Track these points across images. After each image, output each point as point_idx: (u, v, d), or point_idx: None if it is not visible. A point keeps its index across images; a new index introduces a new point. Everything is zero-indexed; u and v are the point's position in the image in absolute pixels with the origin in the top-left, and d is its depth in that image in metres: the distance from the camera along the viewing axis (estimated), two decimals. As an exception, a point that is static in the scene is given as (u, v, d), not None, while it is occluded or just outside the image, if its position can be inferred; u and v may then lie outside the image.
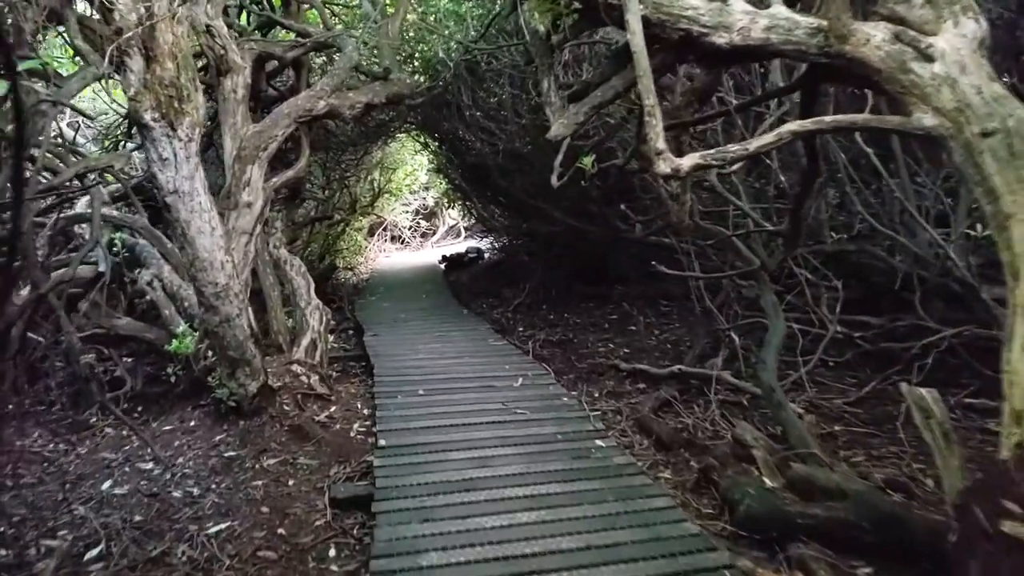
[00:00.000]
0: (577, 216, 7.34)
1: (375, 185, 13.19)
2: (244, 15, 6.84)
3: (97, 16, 3.43)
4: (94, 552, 3.24)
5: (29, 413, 5.45)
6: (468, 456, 3.76)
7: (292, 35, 6.66)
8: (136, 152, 6.58)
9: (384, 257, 15.73)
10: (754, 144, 2.79)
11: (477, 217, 12.99)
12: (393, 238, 17.28)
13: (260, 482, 3.95)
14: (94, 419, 5.21)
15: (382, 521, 3.12)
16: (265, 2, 7.07)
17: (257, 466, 4.14)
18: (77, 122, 7.83)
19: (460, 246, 15.09)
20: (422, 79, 7.43)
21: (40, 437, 5.02)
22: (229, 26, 5.30)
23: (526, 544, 2.84)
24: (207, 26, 4.77)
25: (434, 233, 18.13)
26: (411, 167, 15.02)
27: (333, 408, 4.94)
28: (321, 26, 6.79)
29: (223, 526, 3.51)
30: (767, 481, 3.26)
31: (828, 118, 2.76)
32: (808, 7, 2.94)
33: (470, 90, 7.49)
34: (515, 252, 10.88)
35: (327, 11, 7.05)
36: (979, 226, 4.20)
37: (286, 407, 4.73)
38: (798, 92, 3.59)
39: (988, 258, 4.57)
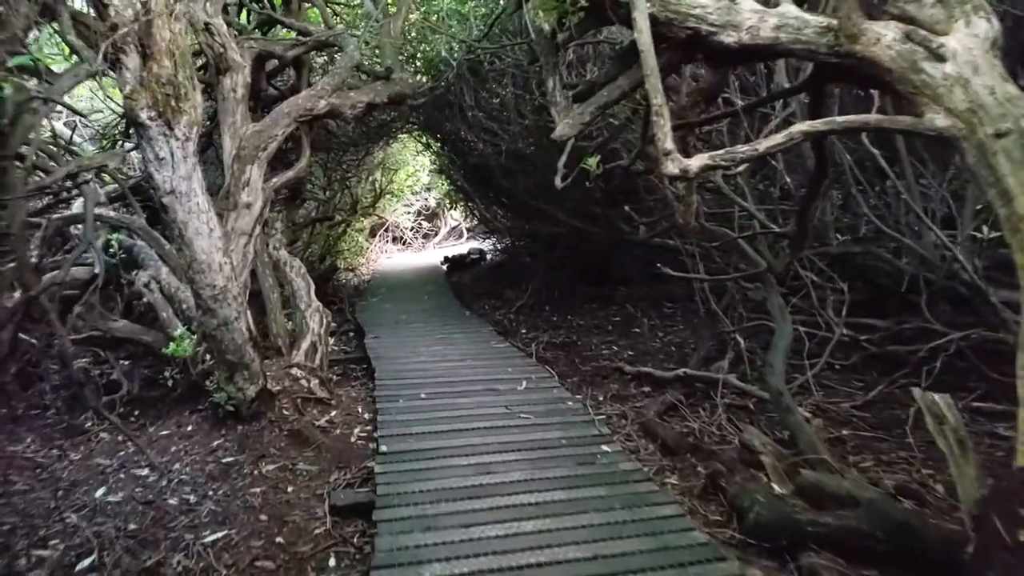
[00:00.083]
0: (580, 217, 7.28)
1: (376, 186, 13.13)
2: (244, 13, 6.78)
3: (92, 12, 3.35)
4: (86, 562, 3.17)
5: (22, 417, 5.38)
6: (471, 462, 3.70)
7: (293, 34, 6.59)
8: (134, 152, 6.51)
9: (386, 258, 15.67)
10: (764, 145, 2.74)
11: (479, 218, 12.93)
12: (395, 239, 17.23)
13: (258, 489, 3.88)
14: (89, 424, 5.15)
15: (383, 530, 3.05)
16: (265, 0, 7.02)
17: (255, 472, 4.08)
18: (74, 121, 7.77)
19: (462, 247, 15.03)
20: (424, 79, 7.37)
21: (33, 442, 4.96)
22: (229, 24, 5.24)
23: (531, 554, 2.78)
24: (206, 24, 4.71)
25: (436, 234, 18.08)
26: (413, 168, 14.96)
27: (333, 412, 4.87)
28: (322, 25, 6.73)
29: (220, 535, 3.44)
30: (776, 488, 3.20)
31: (840, 118, 2.70)
32: (815, 6, 2.89)
33: (472, 90, 7.44)
34: (517, 253, 10.83)
35: (328, 10, 6.99)
36: (985, 228, 4.14)
37: (285, 411, 4.67)
38: (803, 93, 3.55)
39: (994, 260, 4.52)
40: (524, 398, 4.81)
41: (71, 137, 7.39)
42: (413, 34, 7.87)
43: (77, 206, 6.57)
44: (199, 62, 6.10)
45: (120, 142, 7.10)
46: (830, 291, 4.85)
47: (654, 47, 2.65)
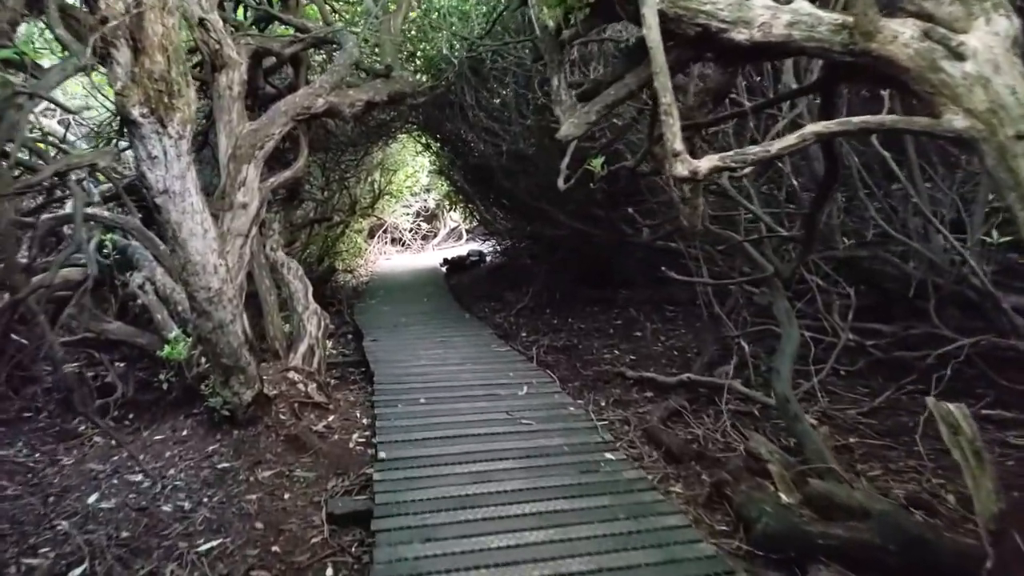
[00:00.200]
0: (582, 219, 7.21)
1: (375, 186, 13.05)
2: (240, 9, 6.69)
3: (81, 4, 3.26)
4: (77, 572, 3.09)
5: (13, 421, 5.29)
6: (472, 470, 3.61)
7: (290, 30, 6.50)
8: (129, 150, 6.42)
9: (384, 259, 15.59)
10: (776, 146, 2.66)
11: (479, 220, 12.86)
12: (393, 240, 17.14)
13: (254, 496, 3.80)
14: (82, 427, 5.06)
15: (382, 540, 2.96)
16: (262, -4, 6.92)
17: (251, 478, 3.99)
18: (67, 119, 7.67)
19: (461, 249, 14.96)
20: (424, 78, 7.29)
21: (25, 446, 4.86)
22: (224, 20, 5.15)
23: (534, 566, 2.69)
24: (201, 19, 4.62)
25: (435, 235, 18.00)
26: (412, 168, 14.88)
27: (331, 417, 4.78)
28: (320, 21, 6.64)
29: (215, 543, 3.35)
30: (783, 497, 3.12)
31: (855, 119, 2.62)
32: (828, 3, 2.82)
33: (473, 90, 7.36)
34: (518, 255, 10.75)
35: (327, 6, 6.89)
36: (995, 232, 4.08)
37: (282, 416, 4.58)
38: (815, 93, 3.47)
39: (1003, 265, 4.45)
40: (525, 403, 4.73)
41: (64, 135, 7.29)
42: (413, 32, 7.79)
43: (71, 205, 6.48)
44: (195, 59, 6.02)
45: (114, 140, 7.00)
46: (836, 295, 4.77)
47: (662, 44, 2.57)
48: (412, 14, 7.43)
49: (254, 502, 3.73)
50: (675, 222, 5.37)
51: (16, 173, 4.94)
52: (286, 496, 3.80)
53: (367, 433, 4.54)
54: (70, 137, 7.76)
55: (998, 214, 4.31)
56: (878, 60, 2.53)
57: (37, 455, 4.80)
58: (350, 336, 7.75)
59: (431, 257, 15.35)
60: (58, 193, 6.74)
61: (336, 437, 4.52)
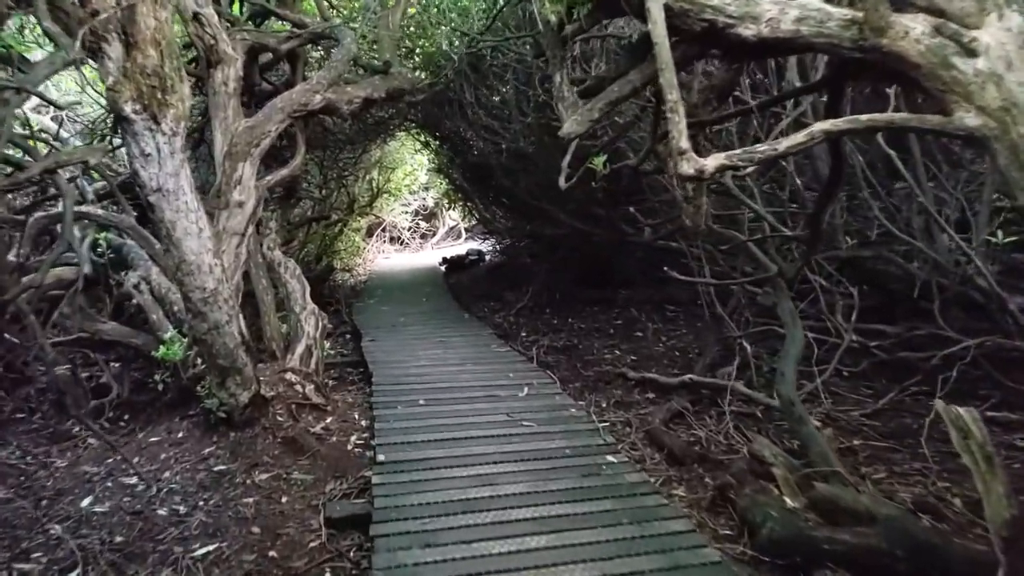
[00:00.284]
0: (582, 218, 7.15)
1: (374, 185, 12.96)
2: (236, 4, 6.60)
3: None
4: (69, 577, 3.02)
5: (7, 422, 5.22)
6: (472, 473, 3.56)
7: (287, 26, 6.42)
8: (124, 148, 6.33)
9: (383, 258, 15.51)
10: (784, 144, 2.60)
11: (479, 218, 12.79)
12: (392, 239, 17.06)
13: (251, 499, 3.74)
14: (76, 429, 4.99)
15: (380, 546, 2.91)
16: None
17: (248, 481, 3.93)
18: (60, 115, 7.58)
19: (460, 248, 14.89)
20: (423, 75, 7.21)
21: (18, 448, 4.80)
22: (220, 15, 5.07)
23: (536, 573, 2.64)
24: (195, 14, 4.55)
25: (434, 234, 17.92)
26: (411, 166, 14.80)
27: (329, 419, 4.72)
28: (318, 17, 6.56)
29: (210, 548, 3.30)
30: (788, 501, 3.07)
31: (864, 117, 2.56)
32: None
33: (473, 87, 7.29)
34: (517, 254, 10.69)
35: (324, 1, 6.80)
36: (1000, 232, 4.03)
37: (279, 418, 4.52)
38: (822, 90, 3.42)
39: (1007, 265, 4.41)
40: (526, 405, 4.68)
41: (57, 132, 7.20)
42: (412, 29, 7.72)
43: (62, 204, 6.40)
44: (190, 55, 5.94)
45: (108, 138, 6.92)
46: (839, 296, 4.73)
47: (668, 40, 2.52)
48: (411, 10, 7.35)
49: (251, 505, 3.67)
50: (677, 221, 5.32)
51: (6, 171, 4.86)
52: (283, 499, 3.75)
53: (366, 435, 4.48)
54: (64, 134, 7.67)
55: (1000, 214, 4.27)
56: (888, 56, 2.48)
57: (30, 457, 4.73)
58: (348, 336, 7.69)
59: (430, 256, 15.27)
60: (52, 191, 6.66)
61: (334, 439, 4.46)
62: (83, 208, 5.94)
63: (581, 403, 4.83)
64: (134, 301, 5.55)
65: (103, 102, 6.87)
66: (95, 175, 6.42)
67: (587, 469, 3.58)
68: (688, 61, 3.09)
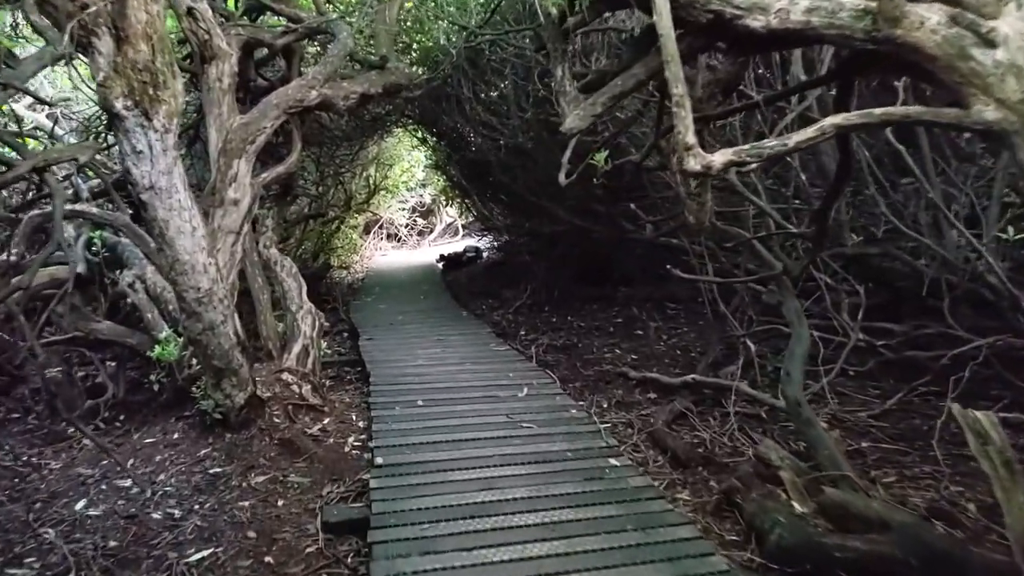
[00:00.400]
0: (582, 215, 7.07)
1: (371, 181, 12.87)
2: (231, -2, 6.49)
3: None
4: (61, 584, 2.95)
5: (1, 422, 5.14)
6: (472, 477, 3.48)
7: (283, 21, 6.32)
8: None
9: (380, 255, 15.43)
10: (794, 139, 2.51)
11: (476, 215, 12.70)
12: (389, 236, 16.97)
13: (247, 502, 3.67)
14: (71, 430, 4.90)
15: (378, 554, 2.83)
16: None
17: (244, 484, 3.86)
18: (55, 113, 7.48)
19: (458, 245, 14.81)
20: (420, 71, 7.11)
21: (12, 449, 4.73)
22: (214, 10, 4.96)
23: (539, 582, 2.57)
24: (189, 8, 4.45)
25: (431, 231, 17.83)
26: (408, 163, 14.70)
27: (326, 420, 4.65)
28: (314, 11, 6.46)
29: (205, 553, 3.23)
30: (796, 506, 3.00)
31: (877, 111, 2.48)
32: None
33: (471, 82, 7.20)
34: (516, 251, 10.60)
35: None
36: (1011, 229, 3.95)
37: (276, 419, 4.45)
38: (832, 83, 3.33)
39: (1019, 262, 4.33)
40: (526, 406, 4.60)
41: (52, 129, 7.11)
42: (409, 24, 7.62)
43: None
44: (184, 51, 5.84)
45: (103, 135, 6.82)
46: (844, 294, 4.65)
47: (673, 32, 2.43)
48: (408, 4, 7.25)
49: (246, 509, 3.60)
50: (680, 218, 5.23)
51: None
52: (280, 503, 3.68)
53: (363, 436, 4.40)
54: (58, 131, 7.58)
55: (1008, 210, 4.20)
56: (902, 48, 2.39)
57: (24, 459, 4.66)
58: (346, 334, 7.62)
59: (427, 253, 15.19)
60: (47, 189, 6.56)
61: (331, 441, 4.39)
62: (77, 206, 5.85)
63: (582, 403, 4.76)
64: (129, 300, 5.47)
65: (96, 99, 6.76)
66: (90, 173, 6.32)
67: (589, 473, 3.51)
68: (693, 54, 3.01)
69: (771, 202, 4.78)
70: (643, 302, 7.37)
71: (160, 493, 3.85)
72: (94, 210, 5.78)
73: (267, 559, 3.17)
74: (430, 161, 13.51)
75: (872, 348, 4.51)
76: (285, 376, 4.82)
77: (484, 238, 13.43)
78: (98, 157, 7.09)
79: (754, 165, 4.27)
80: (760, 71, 5.16)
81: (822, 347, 4.32)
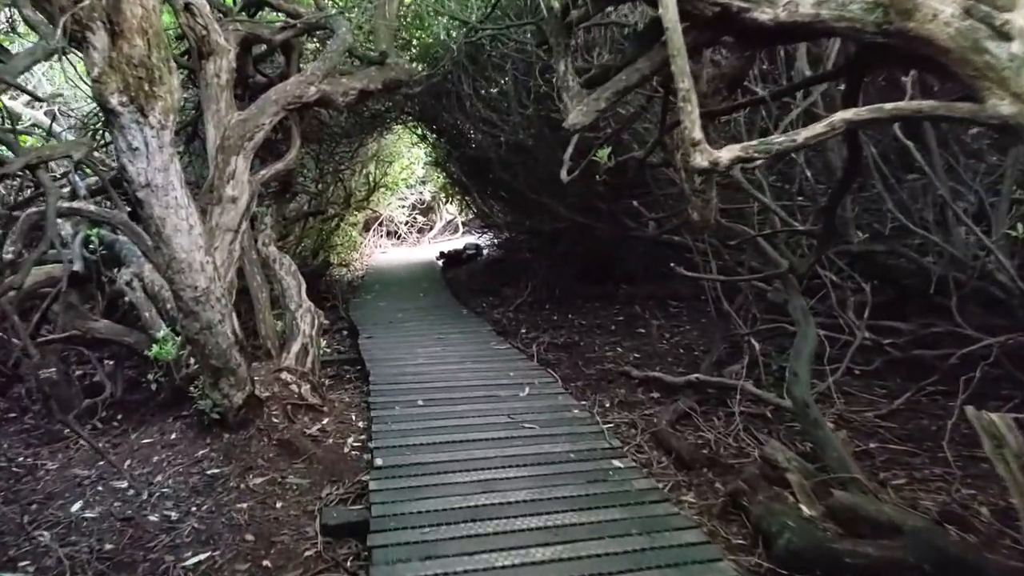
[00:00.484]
0: (583, 212, 7.01)
1: (370, 179, 12.81)
2: (229, -6, 6.42)
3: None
4: (55, 588, 2.90)
5: (-4, 423, 5.09)
6: (473, 479, 3.42)
7: (281, 16, 6.25)
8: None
9: (380, 253, 15.38)
10: (803, 135, 2.45)
11: (476, 212, 12.63)
12: (389, 233, 16.91)
13: (245, 504, 3.62)
14: (68, 430, 4.85)
15: (378, 558, 2.77)
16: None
17: (242, 485, 3.81)
18: (53, 110, 7.42)
19: (458, 242, 14.75)
20: (420, 67, 7.04)
21: (8, 449, 4.68)
22: (212, 5, 4.90)
23: (542, 587, 2.52)
24: (186, 3, 4.39)
25: (431, 229, 17.77)
26: (408, 160, 14.63)
27: (325, 420, 4.59)
28: (313, 7, 6.39)
29: (202, 556, 3.18)
30: (804, 509, 2.94)
31: (888, 105, 2.41)
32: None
33: (471, 79, 7.13)
34: (516, 249, 10.54)
35: (320, -10, 6.62)
36: (1020, 226, 3.89)
37: (275, 419, 4.40)
38: (841, 78, 3.26)
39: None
40: (527, 405, 4.54)
41: (50, 126, 7.04)
42: (408, 20, 7.55)
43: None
44: (182, 47, 5.78)
45: (100, 132, 6.76)
46: (850, 291, 4.59)
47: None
48: (407, 0, 7.18)
49: (244, 511, 3.56)
50: (683, 215, 5.17)
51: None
52: (278, 505, 3.63)
53: (363, 437, 4.35)
54: (56, 128, 7.51)
55: (1013, 207, 4.13)
56: (914, 41, 2.33)
57: (20, 459, 4.61)
58: (345, 332, 7.57)
59: (427, 250, 15.14)
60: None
61: (330, 441, 4.34)
62: (75, 204, 5.79)
63: (584, 403, 4.70)
64: (126, 298, 5.42)
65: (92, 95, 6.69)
66: (87, 171, 6.26)
67: (593, 475, 3.45)
68: (698, 49, 2.94)
69: (775, 199, 4.72)
70: (645, 300, 7.31)
71: (157, 495, 3.80)
72: (91, 207, 5.73)
73: (265, 563, 3.12)
74: (430, 158, 13.43)
75: (878, 347, 4.45)
76: (284, 375, 4.77)
77: (484, 235, 13.37)
78: (96, 154, 7.04)
79: (760, 161, 4.23)
80: (764, 66, 5.09)
81: (828, 346, 4.27)
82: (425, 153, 13.83)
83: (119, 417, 5.21)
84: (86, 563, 3.18)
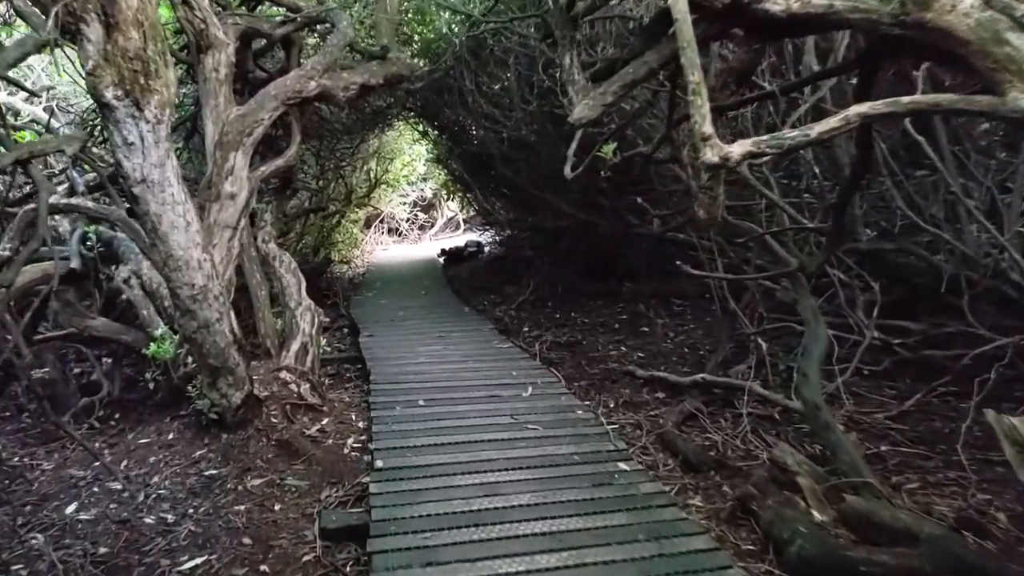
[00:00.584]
0: (586, 209, 6.92)
1: (372, 175, 12.74)
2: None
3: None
4: (47, 593, 2.84)
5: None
6: (475, 482, 3.35)
7: (282, 10, 6.17)
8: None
9: (381, 250, 15.31)
10: (816, 129, 2.36)
11: (478, 209, 12.55)
12: (390, 230, 16.84)
13: (242, 506, 3.55)
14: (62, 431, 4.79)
15: (378, 564, 2.70)
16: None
17: (240, 487, 3.75)
18: (51, 106, 7.34)
19: (459, 239, 14.68)
20: (422, 63, 6.96)
21: (4, 449, 4.61)
22: (211, -1, 4.82)
23: (547, 595, 2.44)
24: (184, -4, 4.31)
25: (432, 226, 17.70)
26: (409, 157, 14.56)
27: (325, 420, 4.52)
28: (313, 1, 6.31)
29: (199, 560, 3.12)
30: (815, 515, 2.87)
31: (905, 99, 2.33)
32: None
33: (473, 74, 7.04)
34: (518, 246, 10.46)
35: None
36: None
37: (273, 419, 4.33)
38: (855, 71, 3.18)
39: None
40: (530, 406, 4.47)
41: (48, 122, 6.97)
42: (410, 15, 7.46)
43: (54, 196, 6.17)
44: (181, 41, 5.70)
45: (101, 128, 6.67)
46: (859, 290, 4.51)
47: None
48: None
49: (242, 514, 3.49)
50: (689, 212, 5.09)
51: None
52: (276, 507, 3.56)
53: (363, 438, 4.28)
54: (55, 124, 7.44)
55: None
56: (932, 33, 2.24)
57: (16, 459, 4.55)
58: (346, 330, 7.49)
59: (428, 247, 15.08)
60: (55, 181, 6.45)
61: (330, 442, 4.27)
62: (72, 200, 5.73)
63: (588, 403, 4.63)
64: (124, 296, 5.35)
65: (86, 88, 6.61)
66: (86, 167, 6.19)
67: (598, 478, 3.37)
68: (707, 42, 2.86)
69: (781, 196, 4.63)
70: (649, 298, 7.23)
71: (153, 496, 3.74)
72: (89, 204, 5.66)
73: (263, 567, 3.06)
74: (431, 155, 13.35)
75: (888, 347, 4.37)
76: (283, 375, 4.70)
77: (486, 233, 13.29)
78: (96, 150, 6.97)
79: (766, 158, 4.15)
80: (772, 59, 4.99)
81: (836, 346, 4.18)
82: (427, 150, 13.75)
83: (116, 416, 5.15)
84: (79, 567, 3.12)
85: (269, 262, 5.68)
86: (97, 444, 4.59)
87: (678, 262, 4.53)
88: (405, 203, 17.07)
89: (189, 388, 4.31)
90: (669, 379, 4.77)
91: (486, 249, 12.50)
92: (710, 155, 2.33)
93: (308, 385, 4.75)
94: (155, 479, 3.95)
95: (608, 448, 3.74)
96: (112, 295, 5.68)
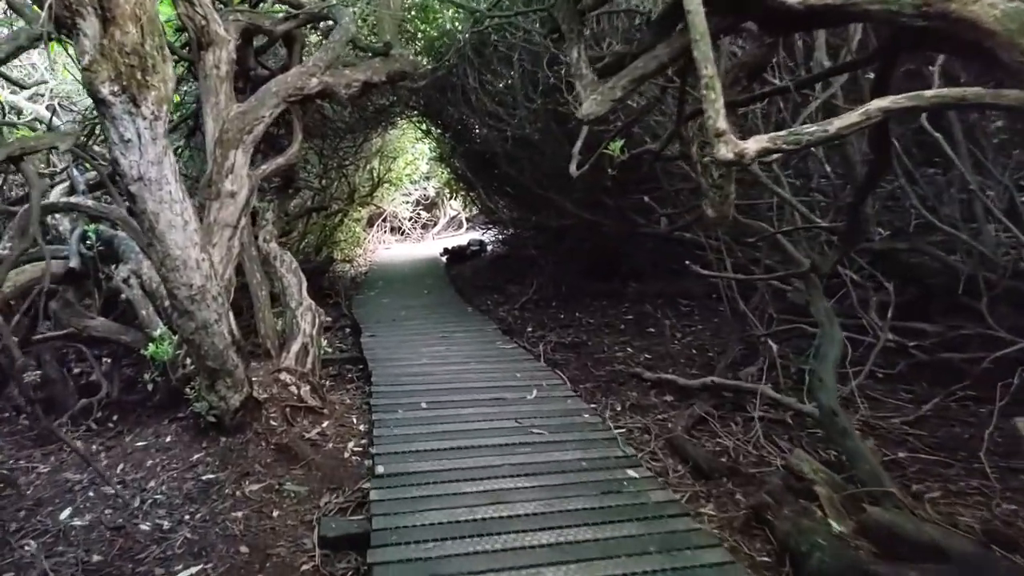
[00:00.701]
0: (591, 208, 6.82)
1: (374, 174, 12.67)
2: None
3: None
4: (37, 605, 2.75)
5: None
6: (479, 489, 3.24)
7: (283, 7, 6.08)
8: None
9: (384, 249, 15.25)
10: (836, 125, 2.25)
11: (481, 208, 12.47)
12: (393, 229, 16.78)
13: (240, 513, 3.47)
14: (63, 431, 4.72)
15: (379, 576, 2.61)
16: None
17: (238, 493, 3.66)
18: (53, 104, 7.27)
19: (462, 238, 14.60)
20: (425, 61, 6.87)
21: (0, 452, 4.54)
22: (211, -6, 4.73)
23: (554, 612, 2.34)
24: (183, -9, 4.22)
25: (435, 224, 17.64)
26: (412, 155, 14.49)
27: (325, 423, 4.43)
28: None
29: (194, 570, 3.03)
30: (834, 525, 2.76)
31: (928, 93, 2.22)
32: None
33: (477, 72, 6.95)
34: (521, 245, 10.37)
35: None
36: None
37: (273, 422, 4.24)
38: (874, 64, 3.07)
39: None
40: (535, 409, 4.36)
41: (50, 119, 6.90)
42: (413, 13, 7.37)
43: (55, 194, 6.11)
44: (183, 39, 5.61)
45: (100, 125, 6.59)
46: (872, 291, 4.39)
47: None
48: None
49: (240, 521, 3.40)
50: (697, 211, 4.98)
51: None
52: (275, 514, 3.47)
53: (364, 441, 4.19)
54: (56, 122, 7.37)
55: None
56: (957, 24, 2.13)
57: (11, 462, 4.48)
58: (347, 330, 7.41)
59: (431, 246, 15.01)
60: (57, 179, 6.39)
61: (330, 446, 4.18)
62: (72, 199, 5.66)
63: (594, 406, 4.52)
64: (124, 296, 5.27)
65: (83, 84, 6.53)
66: (87, 165, 6.12)
67: (607, 485, 3.26)
68: (718, 35, 2.76)
69: (793, 194, 4.52)
70: (655, 298, 7.12)
71: (149, 502, 3.65)
72: (89, 202, 5.58)
73: (260, 577, 2.97)
74: (434, 153, 13.28)
75: (903, 349, 4.26)
76: (283, 376, 4.61)
77: (489, 232, 13.21)
78: (97, 148, 6.90)
79: (782, 154, 4.04)
80: (782, 56, 4.88)
81: (849, 348, 4.07)
82: (429, 148, 13.68)
83: (114, 418, 5.07)
84: (73, 575, 3.03)
85: (270, 261, 5.60)
86: (94, 447, 4.52)
87: (687, 261, 4.43)
88: (408, 202, 17.01)
89: (187, 390, 4.24)
90: (678, 382, 4.67)
91: (489, 248, 12.42)
92: (724, 151, 2.22)
93: (308, 387, 4.66)
94: (151, 484, 3.87)
95: (616, 454, 3.63)
96: (112, 295, 5.60)
